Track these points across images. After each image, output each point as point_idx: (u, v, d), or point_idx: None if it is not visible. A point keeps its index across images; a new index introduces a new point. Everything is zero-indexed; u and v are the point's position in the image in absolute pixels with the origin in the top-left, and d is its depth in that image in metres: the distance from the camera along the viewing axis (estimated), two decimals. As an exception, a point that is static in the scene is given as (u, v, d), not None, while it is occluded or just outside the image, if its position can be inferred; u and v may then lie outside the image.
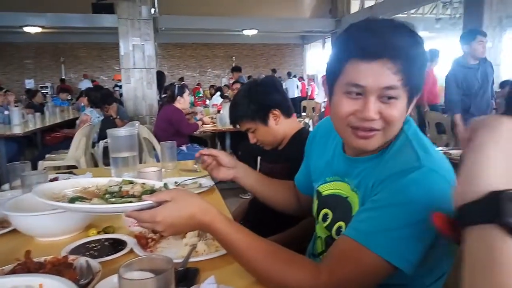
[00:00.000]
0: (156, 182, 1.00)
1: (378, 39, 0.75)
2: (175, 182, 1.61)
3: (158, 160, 3.28)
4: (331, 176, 0.99)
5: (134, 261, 0.62)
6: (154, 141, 3.61)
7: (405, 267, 0.72)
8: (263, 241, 0.82)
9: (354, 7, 10.99)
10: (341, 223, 0.92)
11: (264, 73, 11.99)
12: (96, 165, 3.89)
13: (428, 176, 0.75)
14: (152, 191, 0.90)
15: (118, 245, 1.01)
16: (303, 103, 8.80)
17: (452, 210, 0.74)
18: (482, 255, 0.37)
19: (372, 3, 10.84)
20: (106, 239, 1.06)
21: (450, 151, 2.55)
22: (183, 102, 3.85)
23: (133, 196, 0.89)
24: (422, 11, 10.47)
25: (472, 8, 6.87)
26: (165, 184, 0.98)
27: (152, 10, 6.12)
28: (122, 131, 1.74)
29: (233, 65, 13.72)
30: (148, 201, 0.80)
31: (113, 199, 0.87)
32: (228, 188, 3.15)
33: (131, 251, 0.97)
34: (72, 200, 0.86)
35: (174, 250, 0.97)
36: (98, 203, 0.85)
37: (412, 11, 10.03)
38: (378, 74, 0.75)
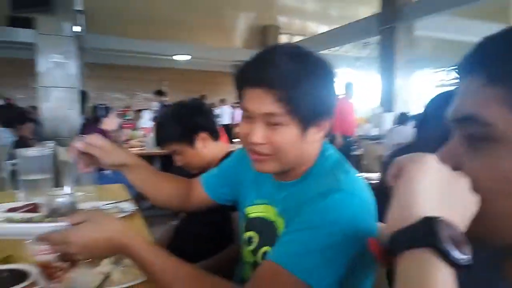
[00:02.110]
0: None
1: (260, 68, 0.80)
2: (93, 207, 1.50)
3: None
4: (260, 199, 0.98)
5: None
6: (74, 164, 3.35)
7: None
8: (185, 265, 0.79)
9: (283, 42, 11.60)
10: (267, 248, 0.91)
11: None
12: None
13: (347, 199, 0.77)
14: None
15: (18, 277, 0.89)
16: (236, 129, 8.89)
17: (371, 233, 0.78)
18: (415, 278, 0.38)
19: (299, 39, 11.54)
20: (5, 270, 0.93)
21: (370, 175, 2.74)
22: (109, 124, 3.67)
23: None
24: (345, 50, 11.35)
25: (386, 50, 7.66)
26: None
27: (77, 28, 5.83)
28: (33, 151, 1.59)
29: (165, 89, 13.50)
30: (62, 222, 0.75)
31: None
32: (156, 215, 3.00)
33: (34, 283, 0.86)
34: None
35: (86, 280, 0.88)
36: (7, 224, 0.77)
37: (335, 49, 10.85)
38: (259, 100, 0.79)
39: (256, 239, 0.97)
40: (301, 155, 0.86)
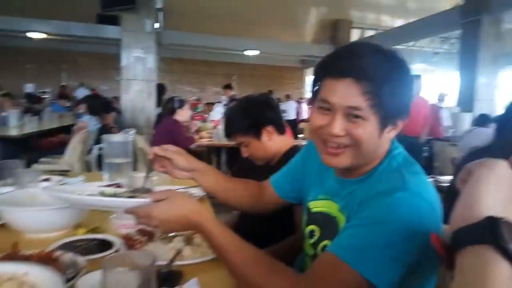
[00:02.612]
0: None
1: (348, 59, 0.80)
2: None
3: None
4: (322, 194, 1.00)
5: (117, 255, 0.65)
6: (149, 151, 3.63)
7: (382, 286, 0.73)
8: (249, 246, 0.84)
9: (355, 36, 11.25)
10: (327, 242, 0.93)
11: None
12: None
13: (412, 198, 0.76)
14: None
15: (105, 245, 1.03)
16: (301, 125, 8.87)
17: (434, 232, 0.77)
18: (475, 273, 0.39)
19: (372, 33, 11.11)
20: (94, 239, 1.07)
21: (439, 178, 2.61)
22: (183, 115, 3.90)
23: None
24: (420, 44, 10.71)
25: (468, 45, 7.08)
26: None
27: (157, 24, 6.23)
28: (117, 137, 1.78)
29: (234, 84, 13.90)
30: (146, 199, 0.84)
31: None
32: (221, 204, 3.14)
33: (117, 251, 0.98)
34: None
35: (160, 253, 0.99)
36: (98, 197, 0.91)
37: (411, 43, 10.28)
38: (344, 93, 0.79)
39: (317, 233, 0.99)
40: (374, 152, 0.86)
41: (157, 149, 1.07)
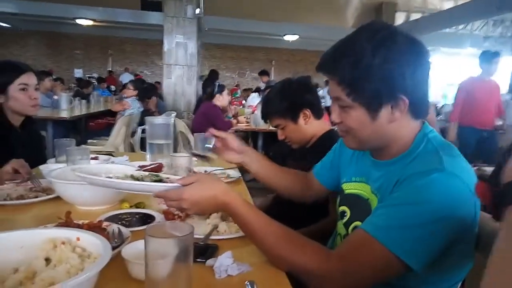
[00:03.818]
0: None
1: (324, 55, 0.88)
2: (205, 171, 1.70)
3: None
4: (357, 177, 1.02)
5: (159, 224, 0.70)
6: (190, 135, 3.74)
7: (415, 265, 0.74)
8: (278, 224, 0.87)
9: (400, 20, 10.79)
10: (358, 223, 0.95)
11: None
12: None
13: (448, 179, 0.76)
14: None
15: (147, 218, 1.10)
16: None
17: (471, 219, 0.75)
18: None
19: (418, 16, 10.60)
20: (137, 213, 1.15)
21: (482, 166, 2.50)
22: (221, 100, 3.97)
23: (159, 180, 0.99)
24: (471, 27, 10.10)
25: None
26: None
27: (197, 10, 6.31)
28: (159, 119, 1.86)
29: (272, 69, 13.80)
30: (176, 183, 0.88)
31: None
32: (255, 188, 3.19)
33: (158, 225, 1.05)
34: None
35: (197, 228, 1.04)
36: (130, 181, 0.95)
37: (460, 27, 9.72)
38: (330, 86, 0.89)
39: (348, 213, 1.02)
40: (382, 134, 0.87)
41: (212, 130, 1.22)
